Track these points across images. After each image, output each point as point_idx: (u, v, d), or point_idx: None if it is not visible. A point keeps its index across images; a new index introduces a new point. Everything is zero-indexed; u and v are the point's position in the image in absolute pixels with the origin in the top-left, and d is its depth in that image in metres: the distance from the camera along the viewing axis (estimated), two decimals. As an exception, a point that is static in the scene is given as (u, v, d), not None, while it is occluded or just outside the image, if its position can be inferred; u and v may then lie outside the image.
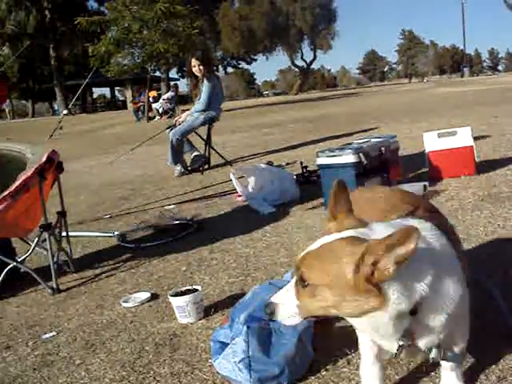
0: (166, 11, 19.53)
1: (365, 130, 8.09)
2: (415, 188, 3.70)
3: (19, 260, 3.16)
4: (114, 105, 51.94)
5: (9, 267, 3.07)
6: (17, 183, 2.98)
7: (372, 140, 3.97)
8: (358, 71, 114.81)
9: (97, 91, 67.42)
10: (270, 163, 5.13)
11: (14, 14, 42.33)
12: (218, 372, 1.76)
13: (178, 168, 6.56)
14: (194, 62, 6.54)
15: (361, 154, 3.62)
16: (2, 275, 3.06)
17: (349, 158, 3.59)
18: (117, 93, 62.52)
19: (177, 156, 6.57)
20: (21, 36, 43.15)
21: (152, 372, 1.90)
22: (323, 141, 7.65)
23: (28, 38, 43.30)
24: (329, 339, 1.88)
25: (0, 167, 14.22)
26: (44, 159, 3.06)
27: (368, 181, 3.67)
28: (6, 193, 2.91)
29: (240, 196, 4.38)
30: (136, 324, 2.34)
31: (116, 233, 3.86)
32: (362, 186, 3.58)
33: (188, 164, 6.72)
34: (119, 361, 2.01)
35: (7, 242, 3.31)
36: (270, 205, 4.02)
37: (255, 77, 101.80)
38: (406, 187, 3.72)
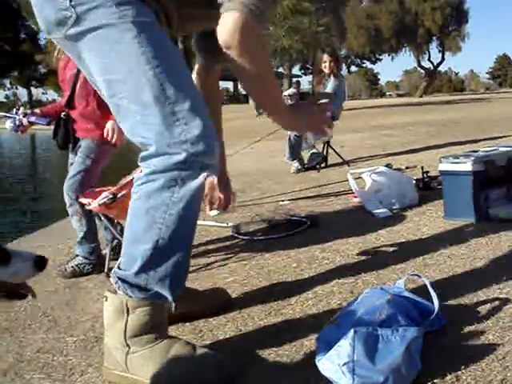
0: (292, 8, 19.66)
1: (492, 138, 7.75)
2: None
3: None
4: (237, 98, 52.99)
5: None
6: (138, 170, 3.09)
7: (499, 149, 3.78)
8: (487, 76, 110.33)
9: (221, 84, 69.10)
10: (389, 166, 5.03)
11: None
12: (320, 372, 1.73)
13: (295, 164, 6.59)
14: (325, 57, 6.55)
15: (486, 163, 3.46)
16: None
17: (473, 166, 3.43)
18: (239, 87, 63.72)
19: (294, 152, 6.61)
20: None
21: (257, 361, 1.90)
22: (446, 146, 7.42)
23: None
24: (438, 352, 1.81)
25: (125, 154, 14.89)
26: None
27: (492, 191, 3.51)
28: (130, 178, 3.03)
29: (356, 197, 4.33)
30: (244, 315, 2.36)
31: (230, 224, 3.93)
32: (485, 196, 3.43)
33: (305, 161, 6.73)
34: (225, 349, 2.04)
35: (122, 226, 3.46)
36: (386, 208, 3.94)
37: (379, 77, 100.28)
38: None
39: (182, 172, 1.68)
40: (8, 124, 3.48)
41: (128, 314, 1.77)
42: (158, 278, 1.75)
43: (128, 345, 1.79)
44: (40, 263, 1.42)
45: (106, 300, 1.85)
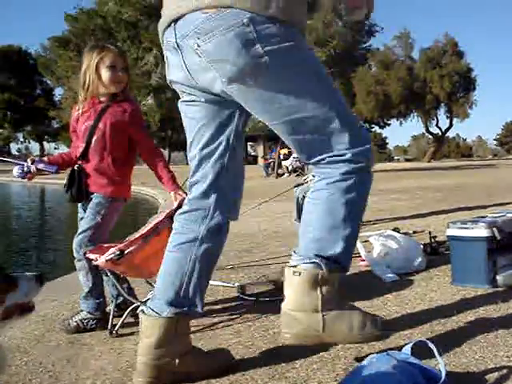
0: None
1: (500, 204, 7.75)
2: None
3: (143, 301, 3.26)
4: (245, 159, 53.45)
5: (133, 306, 3.18)
6: (148, 226, 3.11)
7: (507, 215, 3.78)
8: (495, 142, 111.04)
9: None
10: (396, 230, 5.02)
11: (160, 67, 45.15)
12: None
13: None
14: None
15: (494, 229, 3.45)
16: (126, 314, 3.18)
17: (481, 231, 3.43)
18: (249, 148, 64.37)
19: (301, 213, 6.58)
20: (165, 88, 45.88)
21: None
22: (454, 211, 7.41)
23: (171, 90, 45.99)
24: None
25: (133, 210, 14.98)
26: (175, 205, 3.18)
27: (501, 257, 3.49)
28: (138, 235, 3.04)
29: (363, 260, 4.31)
30: (247, 377, 2.33)
31: (236, 284, 3.91)
32: (493, 262, 3.41)
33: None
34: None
35: (129, 283, 3.45)
36: (393, 273, 3.91)
37: (387, 141, 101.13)
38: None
39: (364, 174, 2.20)
40: (15, 170, 3.49)
41: (322, 284, 2.15)
42: (350, 256, 2.32)
43: (323, 309, 2.15)
44: (41, 279, 1.68)
45: (299, 275, 2.15)
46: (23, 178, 3.49)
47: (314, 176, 2.34)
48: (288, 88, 2.04)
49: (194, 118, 2.36)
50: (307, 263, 2.15)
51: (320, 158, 2.17)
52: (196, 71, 2.13)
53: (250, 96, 2.09)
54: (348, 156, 2.13)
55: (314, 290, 2.15)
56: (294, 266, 2.19)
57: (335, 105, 2.12)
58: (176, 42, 2.12)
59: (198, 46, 2.03)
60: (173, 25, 2.13)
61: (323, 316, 2.15)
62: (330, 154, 2.14)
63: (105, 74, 3.26)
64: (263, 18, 1.97)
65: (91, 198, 3.36)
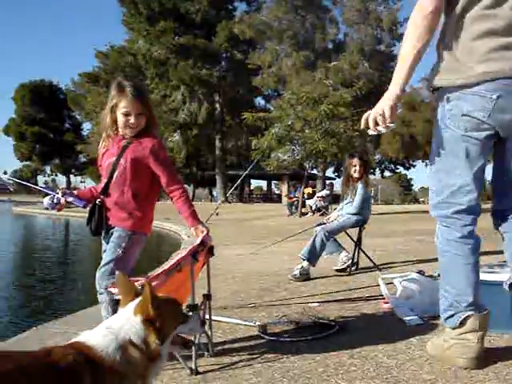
0: (329, 112, 20.08)
1: (526, 249, 7.61)
2: None
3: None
4: (270, 197, 53.67)
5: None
6: (171, 262, 3.10)
7: (535, 260, 3.70)
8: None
9: (254, 183, 69.91)
10: (421, 272, 4.94)
11: (188, 104, 45.84)
12: None
13: (303, 266, 6.16)
14: (356, 161, 6.55)
15: (521, 274, 3.38)
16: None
17: (508, 275, 3.36)
18: (273, 186, 64.53)
19: (313, 253, 6.26)
20: (191, 125, 46.53)
21: None
22: (480, 255, 7.28)
23: (198, 127, 46.59)
24: None
25: (156, 245, 15.01)
26: (198, 242, 3.17)
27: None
28: (160, 270, 3.03)
29: (387, 303, 4.24)
30: (266, 420, 2.28)
31: (257, 323, 3.86)
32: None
33: (338, 264, 6.59)
34: None
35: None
36: (417, 316, 3.84)
37: (412, 183, 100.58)
38: None
39: None
40: (46, 200, 3.52)
41: None
42: None
43: None
44: (204, 322, 2.17)
45: None
46: (53, 208, 3.52)
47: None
48: None
49: (477, 145, 2.85)
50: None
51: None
52: None
53: None
54: None
55: None
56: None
57: None
58: None
59: None
60: None
61: None
62: None
63: (119, 119, 3.33)
64: None
65: (112, 232, 3.37)
